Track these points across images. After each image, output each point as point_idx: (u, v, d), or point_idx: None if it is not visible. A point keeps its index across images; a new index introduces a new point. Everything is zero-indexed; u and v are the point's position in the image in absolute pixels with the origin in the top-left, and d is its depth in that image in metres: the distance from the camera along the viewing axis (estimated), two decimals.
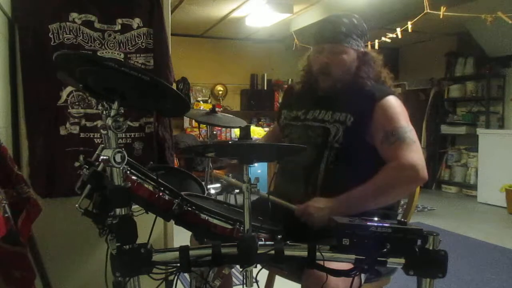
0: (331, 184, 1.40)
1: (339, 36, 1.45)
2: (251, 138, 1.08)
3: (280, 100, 6.77)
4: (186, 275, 1.15)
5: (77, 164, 1.07)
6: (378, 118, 1.40)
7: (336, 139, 1.43)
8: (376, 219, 1.03)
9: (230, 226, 1.06)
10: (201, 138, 5.47)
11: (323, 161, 1.44)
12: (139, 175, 1.04)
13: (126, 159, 0.96)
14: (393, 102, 1.43)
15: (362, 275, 1.22)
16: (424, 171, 1.34)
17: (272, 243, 1.01)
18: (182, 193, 1.08)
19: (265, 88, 7.01)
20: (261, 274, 1.03)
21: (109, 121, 0.96)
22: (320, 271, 1.01)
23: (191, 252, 0.98)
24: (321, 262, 0.99)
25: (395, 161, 1.34)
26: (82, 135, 1.86)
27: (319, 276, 1.10)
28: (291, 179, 1.52)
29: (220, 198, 1.59)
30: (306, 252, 0.98)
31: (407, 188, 1.42)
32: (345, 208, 1.30)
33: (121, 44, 1.90)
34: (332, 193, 1.35)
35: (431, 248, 0.95)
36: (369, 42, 4.35)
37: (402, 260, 0.96)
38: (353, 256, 0.97)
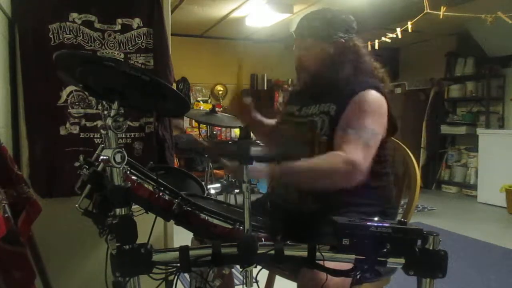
0: None
1: (308, 31, 1.50)
2: (251, 138, 1.08)
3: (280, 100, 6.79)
4: (186, 275, 1.15)
5: (77, 164, 1.07)
6: (350, 108, 1.39)
7: (323, 131, 1.42)
8: (376, 219, 1.03)
9: (230, 226, 1.06)
10: (201, 138, 5.48)
11: (314, 155, 1.43)
12: (139, 175, 1.04)
13: (126, 159, 0.96)
14: (370, 97, 1.39)
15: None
16: (360, 174, 1.29)
17: (272, 243, 1.01)
18: (182, 193, 1.08)
19: (265, 88, 7.01)
20: (261, 274, 1.03)
21: (109, 121, 0.96)
22: (320, 271, 1.01)
23: (191, 252, 0.98)
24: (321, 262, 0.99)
25: (342, 153, 1.31)
26: (82, 135, 1.86)
27: (315, 276, 1.09)
28: None
29: (220, 198, 1.59)
30: (306, 252, 0.99)
31: (341, 180, 1.32)
32: (283, 175, 1.30)
33: (121, 44, 1.91)
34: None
35: (431, 248, 0.94)
36: (369, 42, 4.37)
37: (402, 260, 0.96)
38: (353, 256, 0.97)
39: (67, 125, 1.84)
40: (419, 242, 0.95)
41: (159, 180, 1.05)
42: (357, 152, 1.30)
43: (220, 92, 6.91)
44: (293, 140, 1.27)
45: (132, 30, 1.92)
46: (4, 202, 1.16)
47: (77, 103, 1.85)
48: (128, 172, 1.02)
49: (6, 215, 1.15)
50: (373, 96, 1.40)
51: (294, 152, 1.42)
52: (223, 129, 6.17)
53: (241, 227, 1.05)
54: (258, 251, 0.96)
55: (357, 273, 0.98)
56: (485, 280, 2.80)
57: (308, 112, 1.52)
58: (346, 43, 1.49)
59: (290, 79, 6.75)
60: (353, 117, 1.37)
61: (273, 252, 0.98)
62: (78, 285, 1.85)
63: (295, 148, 1.35)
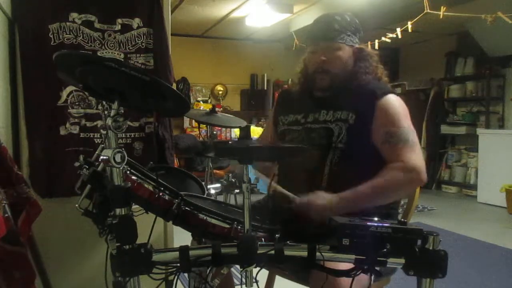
0: (336, 185, 1.39)
1: (333, 34, 1.46)
2: (251, 138, 1.08)
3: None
4: (186, 275, 1.15)
5: (77, 164, 1.07)
6: (380, 117, 1.40)
7: (340, 138, 1.42)
8: (376, 219, 1.03)
9: (228, 226, 1.06)
10: (201, 138, 5.47)
11: (327, 163, 1.43)
12: (139, 175, 1.04)
13: (126, 159, 0.96)
14: (394, 101, 1.42)
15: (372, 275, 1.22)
16: (425, 174, 1.35)
17: (272, 243, 1.01)
18: (182, 193, 1.08)
19: (265, 88, 7.01)
20: (261, 274, 1.03)
21: (109, 121, 0.96)
22: (320, 271, 1.01)
23: (191, 252, 0.98)
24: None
25: (399, 162, 1.34)
26: (82, 135, 1.86)
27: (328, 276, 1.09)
28: (295, 182, 1.52)
29: (220, 198, 1.59)
30: (306, 252, 0.98)
31: (409, 189, 1.44)
32: (347, 206, 1.29)
33: (121, 44, 1.90)
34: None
35: (431, 248, 0.94)
36: (369, 42, 4.37)
37: (402, 260, 0.96)
38: (353, 256, 0.97)
39: (67, 125, 1.84)
40: (419, 242, 0.95)
41: (159, 180, 1.05)
42: (413, 156, 1.34)
43: (220, 92, 6.91)
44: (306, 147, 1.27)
45: (132, 30, 1.92)
46: (4, 202, 1.16)
47: (77, 103, 1.85)
48: (128, 172, 1.02)
49: (6, 215, 1.15)
50: (395, 99, 1.43)
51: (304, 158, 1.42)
52: (223, 129, 6.17)
53: (239, 227, 1.05)
54: (258, 251, 0.96)
55: (357, 273, 0.98)
56: (485, 280, 2.80)
57: (319, 119, 1.50)
58: (360, 49, 1.51)
59: (290, 79, 6.75)
60: (389, 125, 1.38)
61: (273, 252, 0.98)
62: (78, 285, 1.85)
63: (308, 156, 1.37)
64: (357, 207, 1.29)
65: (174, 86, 3.68)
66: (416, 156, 1.35)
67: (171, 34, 2.03)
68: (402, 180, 1.34)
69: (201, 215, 1.06)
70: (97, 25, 1.86)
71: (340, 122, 1.44)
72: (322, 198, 1.32)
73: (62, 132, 1.84)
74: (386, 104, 1.41)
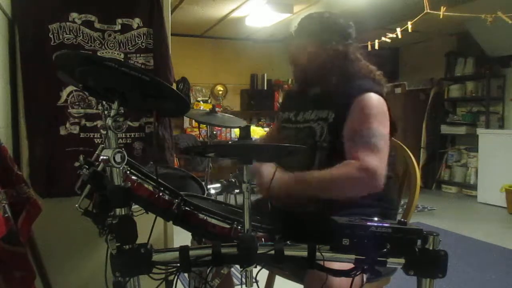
0: None
1: (302, 31, 1.53)
2: (251, 138, 1.08)
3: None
4: (186, 275, 1.16)
5: (77, 164, 1.07)
6: (352, 114, 1.38)
7: (323, 138, 1.42)
8: (376, 219, 1.03)
9: (228, 226, 1.06)
10: (201, 138, 5.47)
11: (315, 162, 1.43)
12: (139, 175, 1.04)
13: (126, 159, 0.96)
14: (371, 100, 1.38)
15: (364, 275, 1.22)
16: (380, 178, 1.29)
17: (272, 243, 1.01)
18: (182, 193, 1.08)
19: (265, 88, 7.02)
20: (261, 274, 1.03)
21: (109, 121, 0.96)
22: (320, 271, 1.01)
23: (191, 252, 0.98)
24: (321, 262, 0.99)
25: (357, 161, 1.31)
26: (82, 135, 1.86)
27: (322, 276, 1.09)
28: None
29: (220, 198, 1.59)
30: (306, 252, 0.98)
31: (360, 189, 1.34)
32: (298, 189, 1.32)
33: (121, 44, 1.91)
34: None
35: (431, 248, 0.94)
36: (369, 42, 4.37)
37: (402, 260, 0.96)
38: (353, 256, 0.97)
39: (67, 125, 1.84)
40: (419, 242, 0.95)
41: (159, 180, 1.05)
42: (370, 158, 1.30)
43: (220, 92, 6.90)
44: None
45: (132, 30, 1.92)
46: (4, 202, 1.16)
47: (77, 103, 1.85)
48: (128, 172, 1.02)
49: (6, 215, 1.15)
50: (373, 99, 1.39)
51: (294, 159, 1.42)
52: (223, 129, 6.17)
53: (239, 227, 1.05)
54: (258, 251, 0.96)
55: (357, 273, 0.98)
56: (485, 280, 2.80)
57: (306, 118, 1.51)
58: (339, 50, 1.48)
59: (290, 79, 6.75)
60: (358, 124, 1.36)
61: (273, 252, 0.98)
62: (78, 285, 1.85)
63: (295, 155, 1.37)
64: (306, 193, 1.32)
65: (174, 86, 3.68)
66: (375, 159, 1.30)
67: (171, 34, 2.03)
68: (352, 176, 1.30)
69: (201, 215, 1.06)
70: (97, 25, 1.87)
71: (321, 121, 1.44)
72: (279, 181, 1.34)
73: (62, 132, 1.84)
74: (361, 102, 1.38)
